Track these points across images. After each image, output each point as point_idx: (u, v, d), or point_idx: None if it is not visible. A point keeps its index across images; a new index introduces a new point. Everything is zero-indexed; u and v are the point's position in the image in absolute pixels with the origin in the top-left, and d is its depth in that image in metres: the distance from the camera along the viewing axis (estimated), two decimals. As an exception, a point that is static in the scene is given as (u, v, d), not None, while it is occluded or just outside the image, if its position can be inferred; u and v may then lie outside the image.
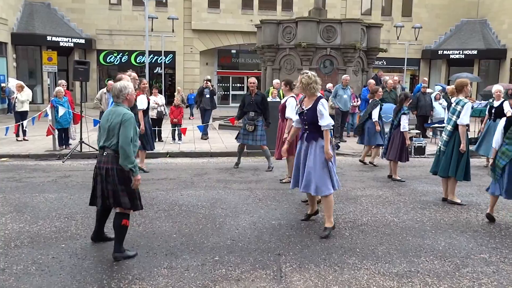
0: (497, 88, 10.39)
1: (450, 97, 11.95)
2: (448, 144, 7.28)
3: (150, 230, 5.90)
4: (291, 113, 8.35)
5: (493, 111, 10.19)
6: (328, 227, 5.77)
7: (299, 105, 5.98)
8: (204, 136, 14.54)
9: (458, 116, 7.11)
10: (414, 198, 7.71)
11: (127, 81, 5.41)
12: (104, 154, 4.86)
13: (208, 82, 15.10)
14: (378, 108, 10.27)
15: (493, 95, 10.38)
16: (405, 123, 8.92)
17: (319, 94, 5.79)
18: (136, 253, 5.07)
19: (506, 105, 9.82)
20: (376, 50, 17.97)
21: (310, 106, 5.74)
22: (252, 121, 9.88)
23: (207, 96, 14.72)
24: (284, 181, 8.72)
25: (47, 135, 12.25)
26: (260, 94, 10.16)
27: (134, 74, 7.53)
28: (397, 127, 9.01)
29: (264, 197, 7.59)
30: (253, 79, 10.20)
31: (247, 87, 11.36)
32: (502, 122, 6.41)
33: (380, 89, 10.82)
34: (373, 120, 10.29)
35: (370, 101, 10.76)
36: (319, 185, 5.70)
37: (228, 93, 31.49)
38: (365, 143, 10.73)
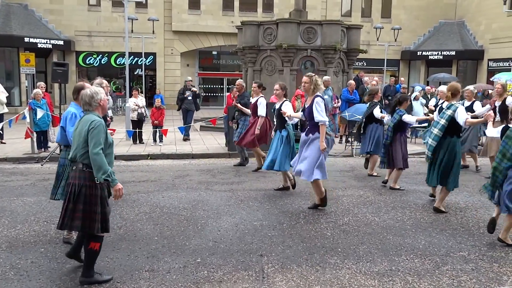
0: (467, 88, 10.30)
1: (429, 97, 12.04)
2: (435, 150, 6.86)
3: (131, 232, 5.84)
4: (263, 111, 9.36)
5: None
6: (317, 203, 6.95)
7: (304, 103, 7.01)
8: (186, 137, 14.52)
9: (447, 120, 6.69)
10: (394, 197, 7.78)
11: (97, 86, 4.89)
12: (73, 168, 4.38)
13: (189, 82, 15.26)
14: (378, 107, 9.23)
15: (464, 96, 9.99)
16: (410, 119, 8.39)
17: (317, 93, 6.63)
18: (111, 277, 4.50)
19: (476, 105, 9.83)
20: (356, 51, 18.08)
21: (309, 104, 6.62)
22: (235, 119, 10.55)
23: (189, 98, 14.73)
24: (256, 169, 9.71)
25: (25, 138, 12.06)
26: (244, 95, 10.64)
27: (105, 82, 7.00)
28: (397, 133, 8.41)
29: (246, 198, 7.59)
30: (238, 81, 11.34)
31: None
32: (498, 130, 5.91)
33: (379, 91, 9.91)
34: (380, 116, 9.07)
35: (369, 103, 9.66)
36: (306, 172, 6.67)
37: (211, 94, 31.31)
38: (368, 151, 9.55)
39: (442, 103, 7.47)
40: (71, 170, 4.47)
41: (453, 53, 29.21)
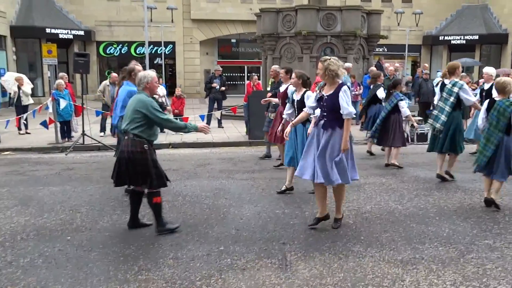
0: (486, 71, 10.15)
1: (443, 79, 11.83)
2: (446, 123, 7.58)
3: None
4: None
5: (484, 94, 9.70)
6: (338, 218, 5.76)
7: (318, 91, 5.65)
8: (220, 125, 14.94)
9: (455, 98, 7.45)
10: (417, 185, 7.71)
11: (150, 71, 5.68)
12: (126, 138, 5.27)
13: (218, 71, 15.52)
14: (381, 88, 9.95)
15: (483, 78, 10.07)
16: (405, 108, 8.96)
17: (341, 81, 5.53)
18: (178, 225, 5.59)
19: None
20: (376, 37, 17.88)
21: (331, 92, 5.44)
22: (274, 108, 9.81)
23: (217, 87, 14.99)
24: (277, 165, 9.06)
25: (49, 124, 12.21)
26: (280, 82, 10.08)
27: (138, 68, 7.12)
28: (394, 113, 9.01)
29: (267, 187, 7.60)
30: (273, 67, 10.28)
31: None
32: (484, 104, 6.60)
33: (382, 74, 10.52)
34: (382, 96, 9.68)
35: (371, 86, 10.45)
36: (340, 174, 5.43)
37: (231, 82, 31.10)
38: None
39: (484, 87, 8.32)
40: (123, 139, 5.35)
41: (476, 37, 28.63)
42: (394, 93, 9.00)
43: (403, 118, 9.35)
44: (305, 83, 6.94)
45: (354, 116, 5.57)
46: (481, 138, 6.56)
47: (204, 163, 9.72)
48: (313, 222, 5.66)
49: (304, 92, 6.80)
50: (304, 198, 6.91)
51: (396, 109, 9.01)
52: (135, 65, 6.96)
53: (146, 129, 5.25)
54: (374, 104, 10.16)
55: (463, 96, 7.48)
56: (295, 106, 7.01)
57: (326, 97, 5.49)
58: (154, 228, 5.49)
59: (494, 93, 9.17)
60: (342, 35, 16.60)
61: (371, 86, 10.42)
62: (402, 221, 5.89)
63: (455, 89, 7.45)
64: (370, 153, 10.39)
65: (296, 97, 6.98)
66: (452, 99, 7.48)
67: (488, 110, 6.38)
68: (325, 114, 5.51)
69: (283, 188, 7.29)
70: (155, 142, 5.51)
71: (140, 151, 5.19)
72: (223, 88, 15.42)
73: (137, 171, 5.22)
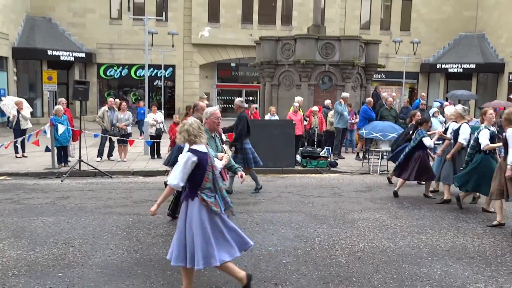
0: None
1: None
2: (468, 162, 8.26)
3: (147, 257, 5.91)
4: None
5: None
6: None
7: None
8: None
9: (475, 141, 8.07)
10: (410, 222, 7.71)
11: (213, 107, 6.23)
12: None
13: (203, 99, 15.50)
14: (428, 138, 9.42)
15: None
16: (429, 142, 9.16)
17: (195, 145, 4.70)
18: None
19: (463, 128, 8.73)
20: (374, 66, 18.10)
21: None
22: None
23: None
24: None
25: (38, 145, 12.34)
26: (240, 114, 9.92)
27: (202, 104, 7.48)
28: (419, 150, 9.27)
29: (262, 221, 7.60)
30: (236, 100, 10.04)
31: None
32: None
33: (418, 113, 10.55)
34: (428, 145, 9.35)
35: (409, 125, 10.62)
36: (206, 254, 4.56)
37: (230, 106, 31.28)
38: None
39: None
40: None
41: (473, 66, 28.89)
42: (418, 131, 9.31)
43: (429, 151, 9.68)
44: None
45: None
46: None
47: (199, 193, 9.69)
48: None
49: None
50: (297, 234, 6.91)
51: (420, 146, 9.26)
52: (199, 101, 7.86)
53: None
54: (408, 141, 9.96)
55: (479, 140, 7.99)
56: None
57: None
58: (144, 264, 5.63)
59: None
60: (340, 64, 16.80)
61: (409, 125, 10.66)
62: (394, 261, 5.89)
63: (475, 134, 8.21)
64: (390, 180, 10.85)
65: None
66: (472, 142, 8.26)
67: None
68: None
69: None
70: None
71: None
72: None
73: None
